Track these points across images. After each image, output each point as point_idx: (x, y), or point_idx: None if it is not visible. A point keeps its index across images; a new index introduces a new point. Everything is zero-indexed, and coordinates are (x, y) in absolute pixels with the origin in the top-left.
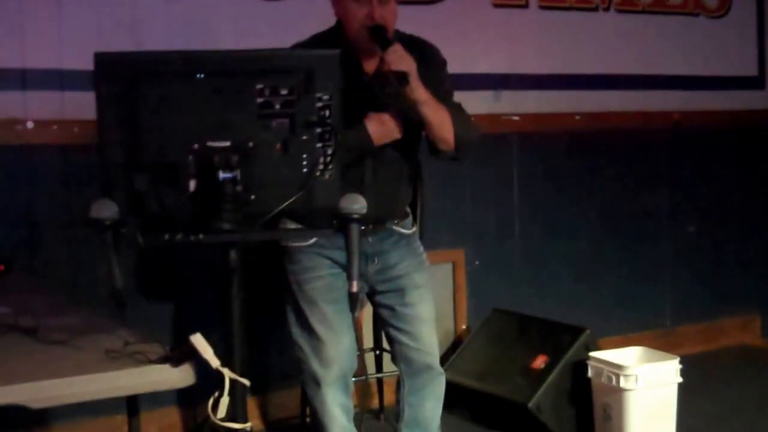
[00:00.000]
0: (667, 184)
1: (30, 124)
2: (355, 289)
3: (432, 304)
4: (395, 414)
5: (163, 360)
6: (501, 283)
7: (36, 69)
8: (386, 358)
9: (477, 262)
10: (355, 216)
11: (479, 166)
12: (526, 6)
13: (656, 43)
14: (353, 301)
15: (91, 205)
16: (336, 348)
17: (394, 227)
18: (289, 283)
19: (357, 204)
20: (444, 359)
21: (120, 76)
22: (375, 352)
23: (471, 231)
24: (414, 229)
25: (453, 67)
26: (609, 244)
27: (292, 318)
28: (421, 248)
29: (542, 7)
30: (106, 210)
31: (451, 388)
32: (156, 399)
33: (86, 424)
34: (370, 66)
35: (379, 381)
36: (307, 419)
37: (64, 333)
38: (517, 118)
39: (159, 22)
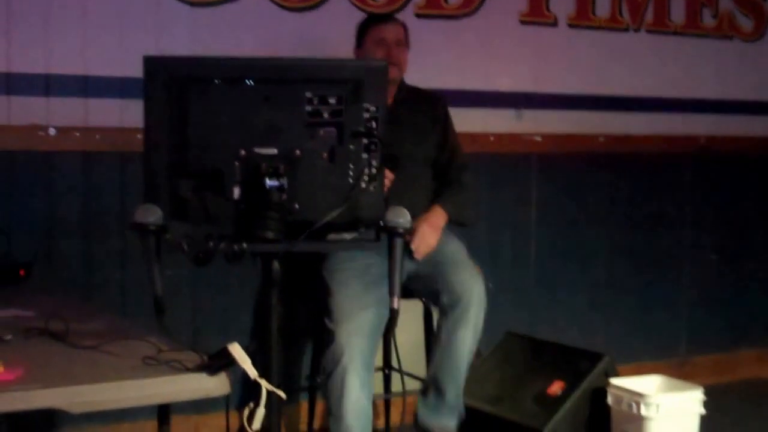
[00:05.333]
0: (689, 210)
1: (52, 131)
2: (395, 305)
3: (458, 247)
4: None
5: (200, 368)
6: (514, 306)
7: (59, 75)
8: (395, 377)
9: (491, 285)
10: (401, 230)
11: (497, 187)
12: (555, 24)
13: (687, 66)
14: (393, 317)
15: (136, 210)
16: (364, 321)
17: None
18: (321, 274)
19: (403, 218)
20: None
21: (169, 81)
22: (384, 371)
23: (486, 252)
24: None
25: (476, 84)
26: (626, 270)
27: (323, 299)
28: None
29: (571, 26)
30: (150, 215)
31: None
32: (186, 407)
33: (114, 429)
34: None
35: (386, 402)
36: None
37: (95, 338)
38: (538, 138)
39: (182, 29)
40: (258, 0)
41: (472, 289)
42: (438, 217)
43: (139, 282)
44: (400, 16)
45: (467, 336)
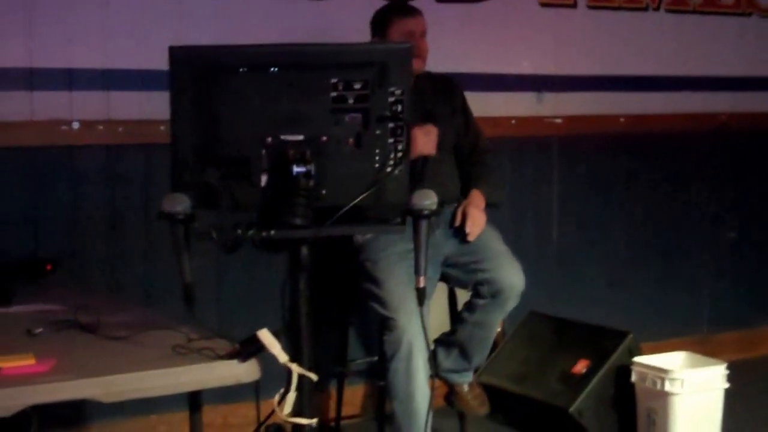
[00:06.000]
0: (710, 188)
1: (76, 125)
2: (422, 284)
3: (497, 236)
4: None
5: (230, 355)
6: (537, 286)
7: (81, 69)
8: None
9: None
10: (426, 212)
11: (518, 169)
12: (574, 6)
13: (707, 44)
14: (421, 296)
15: (163, 200)
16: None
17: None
18: (363, 266)
19: (428, 200)
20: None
21: (194, 70)
22: None
23: (509, 233)
24: None
25: (495, 67)
26: (648, 249)
27: (370, 290)
28: None
29: (591, 7)
30: (178, 204)
31: (487, 390)
32: (213, 397)
33: (143, 421)
34: None
35: None
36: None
37: (125, 329)
38: (559, 120)
39: (203, 20)
40: None
41: (515, 285)
42: (480, 199)
43: (164, 273)
44: (419, 0)
45: (499, 319)
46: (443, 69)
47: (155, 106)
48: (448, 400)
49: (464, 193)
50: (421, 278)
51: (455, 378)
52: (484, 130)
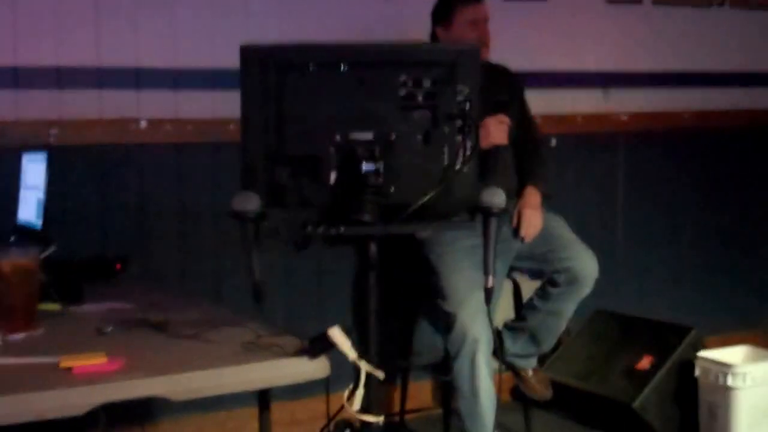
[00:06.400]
0: None
1: (143, 124)
2: (490, 284)
3: (563, 223)
4: None
5: (300, 352)
6: (603, 284)
7: (149, 68)
8: None
9: None
10: (495, 210)
11: (585, 166)
12: (639, 2)
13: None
14: (488, 295)
15: (234, 198)
16: (481, 301)
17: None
18: (428, 260)
19: (498, 198)
20: (544, 359)
21: (264, 68)
22: None
23: (574, 231)
24: None
25: (562, 64)
26: (713, 246)
27: (435, 285)
28: None
29: (656, 3)
30: (249, 203)
31: (552, 386)
32: (281, 393)
33: (210, 418)
34: None
35: None
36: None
37: (194, 327)
38: (625, 117)
39: (270, 18)
40: None
41: (591, 273)
42: (535, 197)
43: (232, 271)
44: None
45: (574, 307)
46: (513, 66)
47: (223, 104)
48: (514, 393)
49: (519, 187)
50: (490, 278)
51: (521, 363)
52: (551, 128)
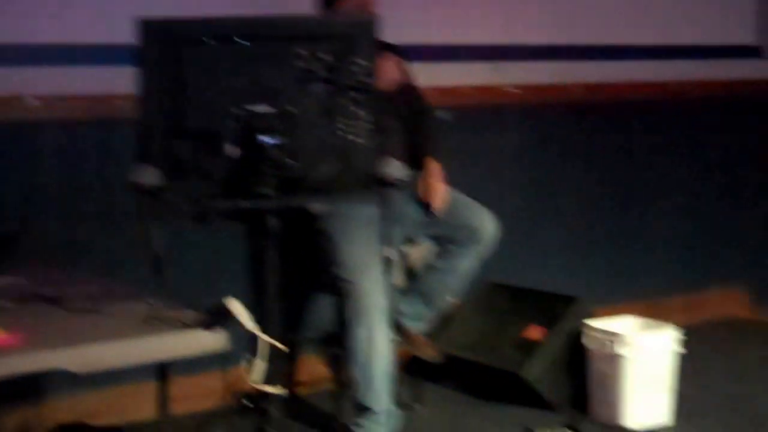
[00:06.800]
0: (659, 155)
1: (34, 101)
2: (389, 254)
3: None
4: None
5: (198, 324)
6: (493, 256)
7: (39, 44)
8: None
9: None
10: (394, 182)
11: (475, 139)
12: None
13: (653, 13)
14: (388, 265)
15: (132, 171)
16: (380, 270)
17: None
18: (324, 232)
19: (396, 170)
20: (434, 332)
21: (163, 43)
22: None
23: None
24: None
25: (451, 38)
26: (600, 217)
27: (332, 256)
28: None
29: None
30: (147, 176)
31: (444, 359)
32: (179, 368)
33: (111, 391)
34: None
35: None
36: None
37: (91, 301)
38: (514, 90)
39: None
40: None
41: (492, 231)
42: (436, 168)
43: (128, 245)
44: None
45: (473, 266)
46: (399, 40)
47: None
48: (406, 366)
49: (415, 160)
50: (389, 248)
51: (414, 324)
52: (440, 100)
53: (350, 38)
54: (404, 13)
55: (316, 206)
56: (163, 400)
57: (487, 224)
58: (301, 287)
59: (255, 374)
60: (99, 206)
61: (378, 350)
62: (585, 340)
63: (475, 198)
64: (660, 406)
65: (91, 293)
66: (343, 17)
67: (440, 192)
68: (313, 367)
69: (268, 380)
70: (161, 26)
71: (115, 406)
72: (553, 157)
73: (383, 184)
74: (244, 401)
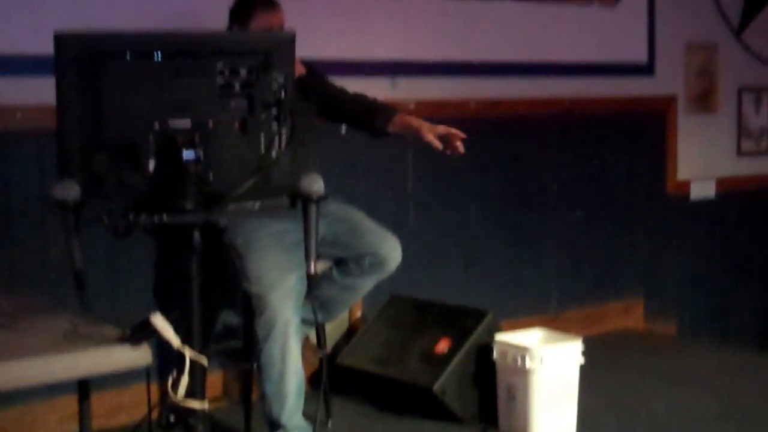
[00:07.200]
0: (556, 169)
1: None
2: (313, 270)
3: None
4: None
5: (122, 340)
6: (397, 270)
7: None
8: None
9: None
10: (315, 197)
11: (374, 154)
12: None
13: (550, 31)
14: (312, 283)
15: (54, 186)
16: (291, 285)
17: None
18: (233, 246)
19: (316, 185)
20: (339, 347)
21: (79, 56)
22: None
23: None
24: None
25: (350, 54)
26: (501, 230)
27: (243, 271)
28: None
29: None
30: (68, 191)
31: (349, 373)
32: (103, 382)
33: (29, 409)
34: None
35: None
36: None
37: (8, 316)
38: (412, 105)
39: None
40: None
41: (396, 255)
42: (411, 119)
43: (60, 258)
44: None
45: (371, 285)
46: (301, 54)
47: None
48: (311, 380)
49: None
50: (312, 264)
51: (303, 328)
52: None
53: (269, 54)
54: (303, 28)
55: (231, 220)
56: (85, 416)
57: (393, 251)
58: (212, 300)
59: (179, 389)
60: (35, 220)
61: (290, 366)
62: (494, 354)
63: (375, 211)
64: (567, 416)
65: (9, 308)
66: (262, 33)
67: (451, 129)
68: (216, 383)
69: (194, 394)
70: (77, 39)
71: (35, 421)
72: (453, 171)
73: (304, 199)
74: (169, 416)
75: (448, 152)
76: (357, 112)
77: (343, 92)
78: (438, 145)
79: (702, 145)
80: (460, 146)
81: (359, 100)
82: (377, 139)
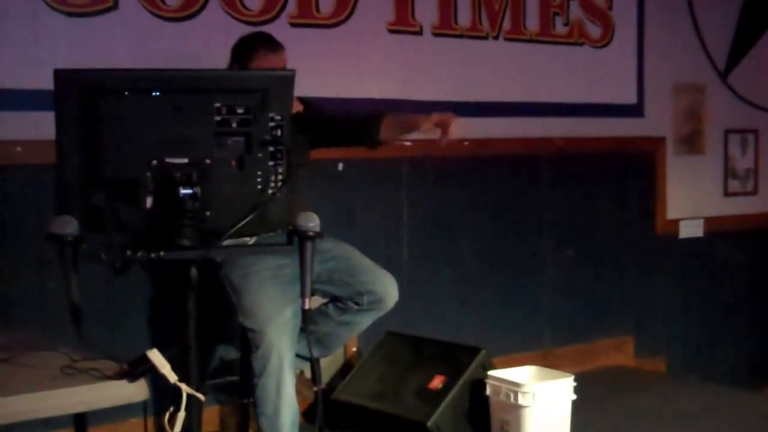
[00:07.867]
0: (548, 208)
1: None
2: (307, 306)
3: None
4: None
5: (119, 375)
6: None
7: None
8: None
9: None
10: (311, 234)
11: (370, 190)
12: (420, 33)
13: (542, 72)
14: (306, 318)
15: (52, 221)
16: (287, 319)
17: None
18: (230, 281)
19: (312, 222)
20: (335, 382)
21: (79, 93)
22: None
23: None
24: None
25: (347, 92)
26: (493, 268)
27: (239, 305)
28: None
29: (435, 34)
30: (66, 226)
31: (345, 408)
32: (100, 416)
33: None
34: None
35: None
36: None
37: (6, 351)
38: (408, 143)
39: (59, 40)
40: (135, 9)
41: (393, 293)
42: (398, 116)
43: (58, 293)
44: (274, 24)
45: (369, 322)
46: (297, 92)
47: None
48: (306, 414)
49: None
50: (306, 300)
51: (298, 363)
52: (337, 152)
53: (267, 93)
54: (300, 66)
55: (228, 256)
56: None
57: (390, 290)
58: (208, 335)
59: (176, 424)
60: (34, 255)
61: (285, 401)
62: (488, 390)
63: (370, 248)
64: None
65: (11, 343)
66: (260, 72)
67: (435, 116)
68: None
69: (187, 430)
70: (76, 76)
71: None
72: (448, 209)
73: (300, 236)
74: None
75: (443, 143)
76: (352, 128)
77: (335, 115)
78: (436, 132)
79: (690, 185)
80: (454, 129)
81: (353, 115)
82: (375, 148)
